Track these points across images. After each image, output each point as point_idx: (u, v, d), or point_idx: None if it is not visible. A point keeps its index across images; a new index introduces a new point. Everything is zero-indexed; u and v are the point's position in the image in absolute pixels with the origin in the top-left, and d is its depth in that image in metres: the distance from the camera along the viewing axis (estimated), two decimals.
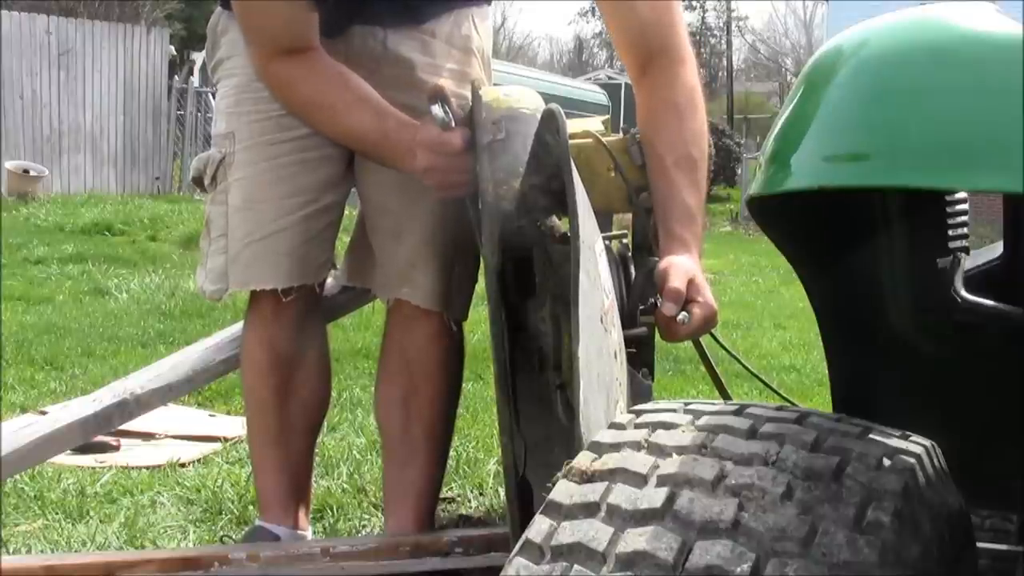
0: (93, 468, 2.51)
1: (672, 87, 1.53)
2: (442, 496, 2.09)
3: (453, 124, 1.47)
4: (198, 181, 1.83)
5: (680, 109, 1.52)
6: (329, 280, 1.88)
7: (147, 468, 2.55)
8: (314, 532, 2.05)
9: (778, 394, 2.09)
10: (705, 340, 1.67)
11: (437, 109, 1.47)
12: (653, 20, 1.54)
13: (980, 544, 1.09)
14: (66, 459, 2.41)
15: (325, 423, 2.08)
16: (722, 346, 1.72)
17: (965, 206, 1.24)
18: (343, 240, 1.87)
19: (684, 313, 1.30)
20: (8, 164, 10.72)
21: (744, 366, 1.80)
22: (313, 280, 1.77)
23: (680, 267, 1.34)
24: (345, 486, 2.39)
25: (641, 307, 1.39)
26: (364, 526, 2.19)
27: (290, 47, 1.60)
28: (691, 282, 1.33)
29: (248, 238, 1.73)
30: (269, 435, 1.85)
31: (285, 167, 1.74)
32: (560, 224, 1.29)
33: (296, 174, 1.73)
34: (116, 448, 2.66)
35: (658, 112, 1.53)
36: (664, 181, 1.47)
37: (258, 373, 1.83)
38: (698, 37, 33.86)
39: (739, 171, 17.20)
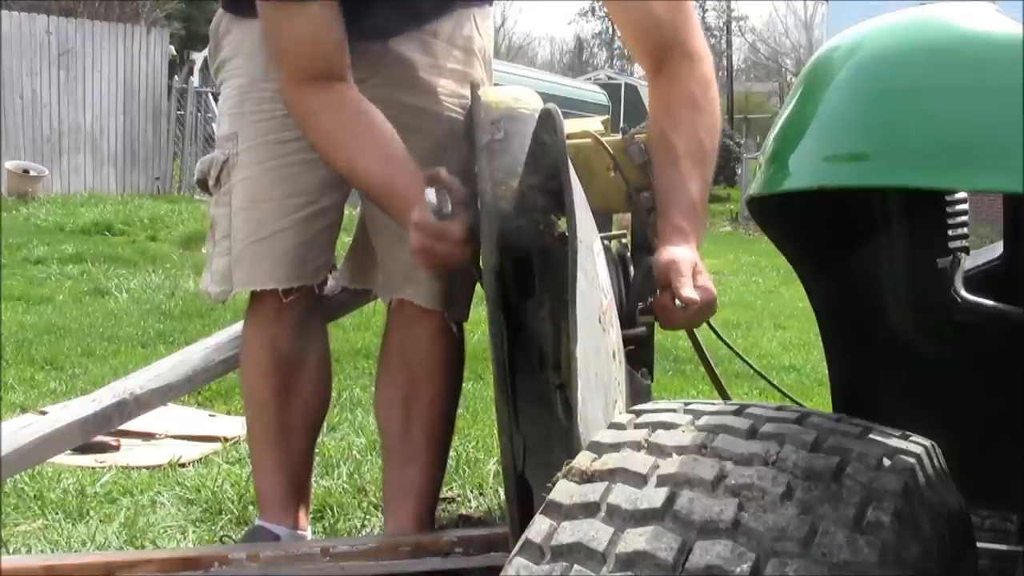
0: (93, 468, 2.51)
1: (688, 80, 1.53)
2: (442, 496, 2.09)
3: (448, 210, 1.37)
4: (202, 184, 1.83)
5: (696, 101, 1.52)
6: (329, 281, 1.88)
7: (147, 468, 2.55)
8: (314, 532, 2.05)
9: (781, 392, 2.09)
10: (705, 339, 1.67)
11: (431, 196, 1.36)
12: (668, 19, 1.54)
13: (980, 544, 1.09)
14: (66, 459, 2.41)
15: (325, 423, 2.08)
16: (726, 343, 1.73)
17: (965, 206, 1.24)
18: (344, 242, 1.87)
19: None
20: (8, 164, 10.72)
21: (748, 363, 1.81)
22: (312, 281, 1.77)
23: (683, 258, 1.34)
24: (345, 486, 2.39)
25: (640, 306, 1.39)
26: (364, 526, 2.19)
27: (318, 73, 1.55)
28: (693, 270, 1.34)
29: (251, 238, 1.74)
30: (269, 435, 1.85)
31: (288, 167, 1.74)
32: (559, 224, 1.29)
33: (299, 174, 1.73)
34: (116, 448, 2.66)
35: (674, 104, 1.52)
36: (673, 171, 1.46)
37: (258, 373, 1.83)
38: None
39: (739, 171, 17.20)
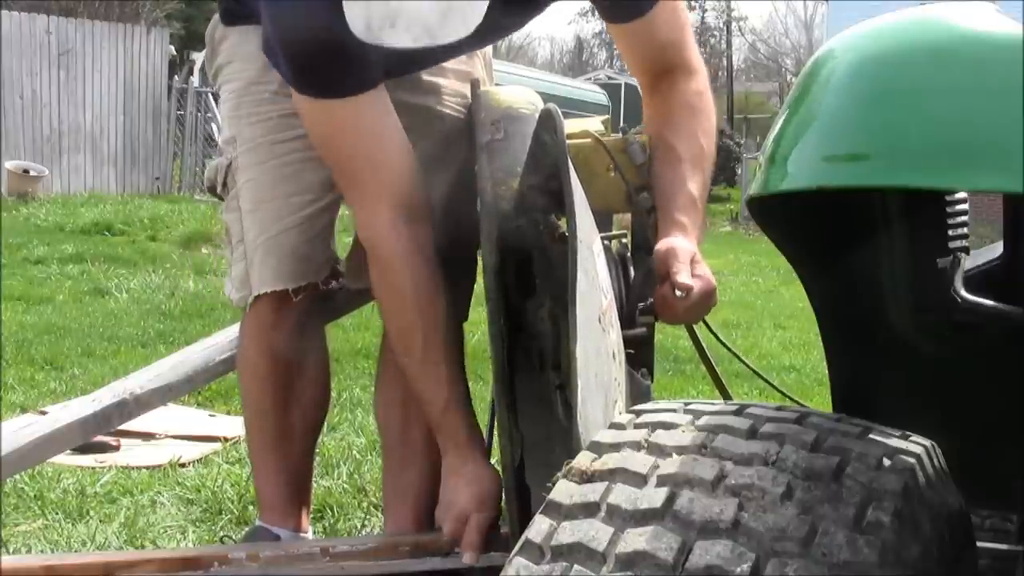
0: (93, 468, 2.51)
1: (685, 90, 1.58)
2: None
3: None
4: (212, 189, 1.84)
5: (693, 107, 1.57)
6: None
7: (147, 468, 2.55)
8: (314, 532, 2.05)
9: (782, 393, 2.09)
10: (706, 339, 1.67)
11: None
12: (670, 40, 1.59)
13: (980, 544, 1.09)
14: (66, 459, 2.41)
15: (325, 423, 2.08)
16: (725, 345, 1.72)
17: (965, 206, 1.24)
18: (344, 242, 1.87)
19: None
20: (8, 164, 10.71)
21: (747, 365, 1.80)
22: (316, 278, 1.78)
23: (682, 248, 1.36)
24: (345, 486, 2.39)
25: (640, 306, 1.39)
26: (364, 526, 2.19)
27: (394, 199, 1.50)
28: (691, 259, 1.36)
29: (261, 237, 1.74)
30: (267, 439, 1.85)
31: (288, 165, 1.74)
32: (559, 224, 1.30)
33: (300, 172, 1.73)
34: (116, 448, 2.66)
35: (672, 110, 1.57)
36: (673, 171, 1.50)
37: (255, 377, 1.82)
38: (698, 37, 33.76)
39: (739, 171, 17.19)
